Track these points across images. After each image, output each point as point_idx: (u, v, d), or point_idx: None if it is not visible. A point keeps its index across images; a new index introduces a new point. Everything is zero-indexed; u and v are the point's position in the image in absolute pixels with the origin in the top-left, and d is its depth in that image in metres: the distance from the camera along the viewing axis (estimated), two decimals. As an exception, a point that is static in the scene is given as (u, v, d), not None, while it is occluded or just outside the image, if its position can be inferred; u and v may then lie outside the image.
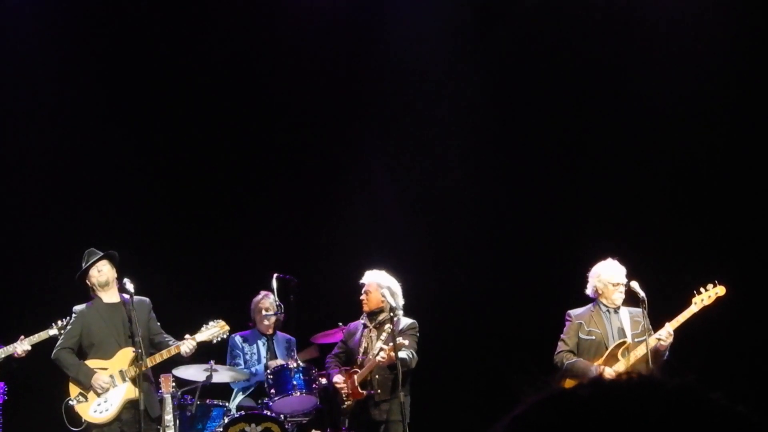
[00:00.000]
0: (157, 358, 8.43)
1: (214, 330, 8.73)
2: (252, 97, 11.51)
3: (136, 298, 8.61)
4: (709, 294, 8.47)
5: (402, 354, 8.37)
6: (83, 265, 8.67)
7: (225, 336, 9.01)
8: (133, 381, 8.40)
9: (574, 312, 8.60)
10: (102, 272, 8.61)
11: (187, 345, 8.51)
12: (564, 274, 9.92)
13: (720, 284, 8.53)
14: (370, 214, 11.29)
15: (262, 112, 11.58)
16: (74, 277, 8.72)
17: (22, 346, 8.61)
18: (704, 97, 10.85)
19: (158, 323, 8.79)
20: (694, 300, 8.46)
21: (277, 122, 11.63)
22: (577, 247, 9.84)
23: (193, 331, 8.76)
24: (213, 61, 11.49)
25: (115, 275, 8.65)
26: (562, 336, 8.54)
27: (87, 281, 8.67)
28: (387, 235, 11.12)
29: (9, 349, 8.66)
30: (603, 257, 8.62)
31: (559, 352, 8.49)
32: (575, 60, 11.27)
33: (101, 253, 8.65)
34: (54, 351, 8.54)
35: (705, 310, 8.46)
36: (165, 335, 8.73)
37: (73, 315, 8.64)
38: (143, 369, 8.22)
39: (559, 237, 10.96)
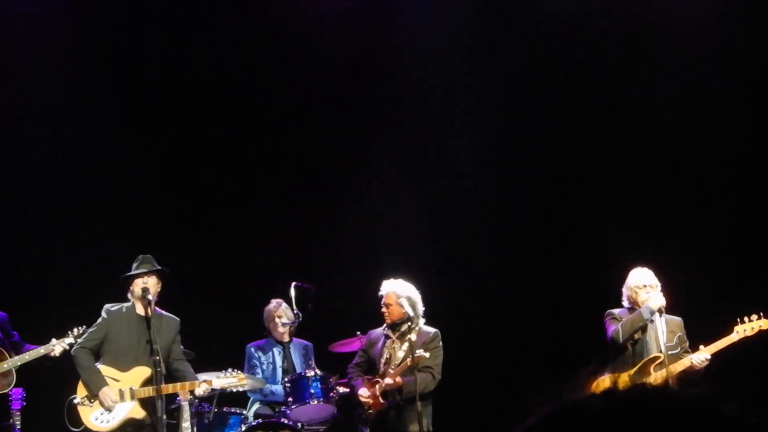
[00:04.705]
0: (170, 388, 8.28)
1: (231, 380, 8.62)
2: (270, 106, 11.53)
3: (166, 315, 8.59)
4: (753, 325, 8.19)
5: (420, 376, 8.36)
6: (133, 267, 8.56)
7: (240, 389, 8.98)
8: (141, 402, 8.33)
9: (614, 312, 8.46)
10: (149, 286, 8.43)
11: (202, 388, 8.38)
12: (588, 281, 9.91)
13: (766, 317, 8.24)
14: (388, 222, 11.28)
15: (280, 121, 11.60)
16: (94, 279, 8.68)
17: (60, 346, 8.59)
18: (748, 111, 10.83)
19: (181, 347, 8.69)
20: (736, 328, 8.20)
21: (295, 132, 11.63)
22: (605, 254, 9.82)
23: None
24: (225, 71, 11.51)
25: (158, 291, 8.54)
26: (607, 325, 8.37)
27: (129, 285, 8.55)
28: (405, 242, 11.09)
29: (44, 350, 8.63)
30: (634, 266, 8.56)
31: (616, 328, 8.28)
32: (598, 62, 11.26)
33: (156, 267, 8.54)
34: (74, 347, 8.46)
35: (745, 341, 8.23)
36: (184, 363, 8.61)
37: (103, 315, 8.50)
38: (158, 393, 8.12)
39: (584, 243, 10.93)
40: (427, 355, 8.38)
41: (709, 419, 1.24)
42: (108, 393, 8.28)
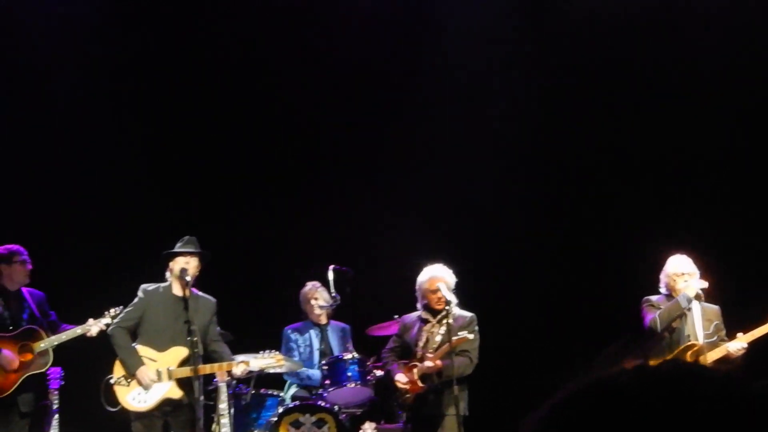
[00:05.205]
0: (208, 369, 8.29)
1: (269, 361, 8.61)
2: (309, 92, 11.52)
3: (203, 296, 8.57)
4: None
5: (458, 360, 8.32)
6: (177, 246, 8.52)
7: (278, 370, 8.98)
8: (178, 382, 8.31)
9: (651, 298, 8.41)
10: (189, 267, 8.39)
11: (240, 368, 8.40)
12: (625, 267, 9.85)
13: None
14: (427, 207, 11.23)
15: (321, 106, 11.59)
16: (141, 259, 8.68)
17: (97, 326, 8.61)
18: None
19: (218, 328, 8.66)
20: None
21: (336, 117, 11.63)
22: (642, 241, 9.75)
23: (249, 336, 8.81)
24: (269, 55, 11.54)
25: (196, 274, 8.50)
26: (645, 312, 8.33)
27: (169, 264, 8.55)
28: (443, 226, 11.06)
29: (81, 330, 8.65)
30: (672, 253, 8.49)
31: (653, 317, 8.26)
32: (635, 56, 11.21)
33: (198, 249, 8.52)
34: (111, 326, 8.47)
35: None
36: (221, 344, 8.58)
37: (139, 295, 8.48)
38: (195, 374, 8.11)
39: (621, 230, 10.87)
40: (471, 336, 8.33)
41: (739, 395, 1.23)
42: (146, 372, 8.28)
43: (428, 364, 8.41)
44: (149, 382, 8.26)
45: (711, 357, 8.01)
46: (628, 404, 1.22)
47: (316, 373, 9.43)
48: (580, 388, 1.27)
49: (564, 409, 1.27)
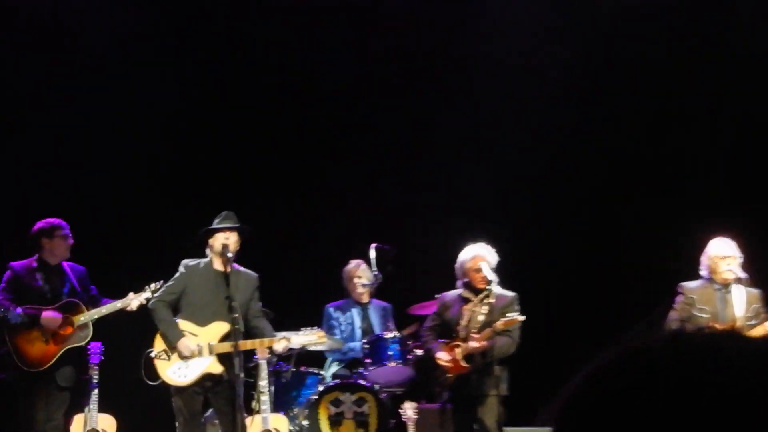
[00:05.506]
0: (248, 345, 8.22)
1: (311, 337, 8.55)
2: (353, 72, 11.48)
3: (244, 272, 8.49)
4: None
5: (501, 340, 8.24)
6: (215, 221, 8.43)
7: (319, 348, 8.92)
8: (219, 357, 8.25)
9: (687, 285, 8.33)
10: (229, 243, 8.31)
11: (281, 345, 8.35)
12: (669, 249, 9.73)
13: None
14: (469, 185, 11.15)
15: (363, 85, 11.55)
16: (186, 234, 8.66)
17: (137, 300, 8.60)
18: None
19: (260, 304, 8.59)
20: None
21: (378, 95, 11.59)
22: (685, 224, 9.63)
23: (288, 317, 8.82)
24: (313, 40, 11.52)
25: (236, 249, 8.41)
26: (674, 307, 8.29)
27: (208, 240, 8.46)
28: (485, 205, 10.97)
29: (121, 304, 8.65)
30: (715, 236, 8.39)
31: (672, 321, 8.24)
32: (682, 32, 11.07)
33: (237, 224, 8.43)
34: (152, 300, 8.43)
35: None
36: (263, 320, 8.52)
37: (181, 270, 8.42)
38: (236, 349, 8.06)
39: (664, 211, 10.75)
40: (521, 318, 8.23)
41: None
42: (187, 343, 8.22)
43: (473, 344, 8.30)
44: (190, 353, 8.21)
45: (754, 334, 7.91)
46: (665, 368, 1.19)
47: (357, 345, 9.39)
48: (614, 356, 1.25)
49: (602, 375, 1.24)
